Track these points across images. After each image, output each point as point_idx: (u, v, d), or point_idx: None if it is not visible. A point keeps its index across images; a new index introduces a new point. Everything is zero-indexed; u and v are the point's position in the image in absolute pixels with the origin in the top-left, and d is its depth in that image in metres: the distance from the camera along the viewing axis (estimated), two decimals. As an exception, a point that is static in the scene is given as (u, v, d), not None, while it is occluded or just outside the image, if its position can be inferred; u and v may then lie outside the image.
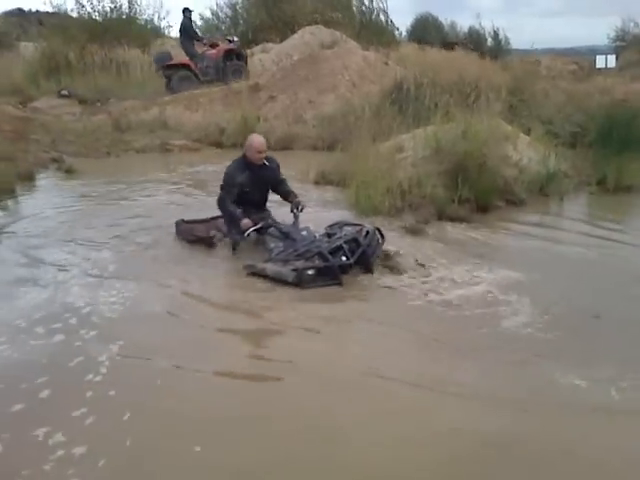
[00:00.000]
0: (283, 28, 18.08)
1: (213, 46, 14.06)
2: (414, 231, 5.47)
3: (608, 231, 5.69)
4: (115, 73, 15.05)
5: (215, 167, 9.07)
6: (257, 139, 4.93)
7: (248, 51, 17.27)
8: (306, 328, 3.71)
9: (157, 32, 18.78)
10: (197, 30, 15.29)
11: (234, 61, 13.93)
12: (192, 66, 13.79)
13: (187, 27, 14.21)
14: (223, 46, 14.03)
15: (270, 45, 16.75)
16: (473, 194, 6.24)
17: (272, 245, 4.67)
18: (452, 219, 5.94)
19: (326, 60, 11.81)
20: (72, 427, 2.74)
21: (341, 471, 2.48)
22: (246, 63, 14.26)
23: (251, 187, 4.85)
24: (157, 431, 2.76)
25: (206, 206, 6.51)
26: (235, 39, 14.60)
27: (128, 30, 16.55)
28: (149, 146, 10.81)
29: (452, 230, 5.64)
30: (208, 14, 21.85)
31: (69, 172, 8.87)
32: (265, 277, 4.39)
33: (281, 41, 16.10)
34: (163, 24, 18.39)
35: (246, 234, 4.67)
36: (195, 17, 22.76)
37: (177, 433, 2.73)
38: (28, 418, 2.82)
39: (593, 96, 10.21)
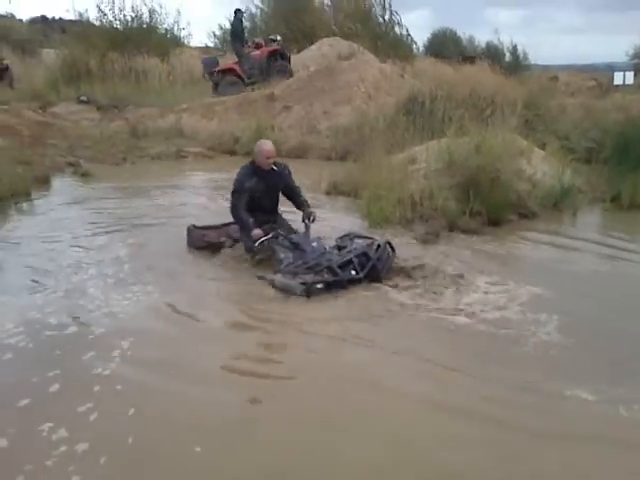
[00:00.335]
0: (302, 40, 18.23)
1: (257, 47, 14.24)
2: (425, 242, 5.45)
3: (623, 247, 5.62)
4: (134, 81, 15.27)
5: (228, 174, 9.18)
6: (266, 145, 4.97)
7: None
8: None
9: (177, 42, 18.98)
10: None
11: (278, 61, 14.07)
12: (237, 70, 13.96)
13: (237, 28, 14.48)
14: (267, 47, 14.21)
15: (287, 55, 16.84)
16: (485, 207, 6.20)
17: (282, 255, 4.65)
18: (463, 231, 5.91)
19: (343, 72, 11.87)
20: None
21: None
22: (289, 62, 14.40)
23: (260, 192, 4.87)
24: (157, 433, 2.76)
25: (220, 211, 6.60)
26: (278, 38, 14.73)
27: (148, 39, 16.76)
28: (164, 153, 10.91)
29: (463, 242, 5.59)
30: (227, 24, 22.06)
31: (85, 176, 8.99)
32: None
33: (298, 52, 16.20)
34: (183, 34, 18.55)
35: (257, 244, 4.66)
36: (214, 28, 23.12)
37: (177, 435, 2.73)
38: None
39: (610, 113, 10.13)
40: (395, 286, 4.42)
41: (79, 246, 5.47)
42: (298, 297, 4.21)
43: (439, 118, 10.06)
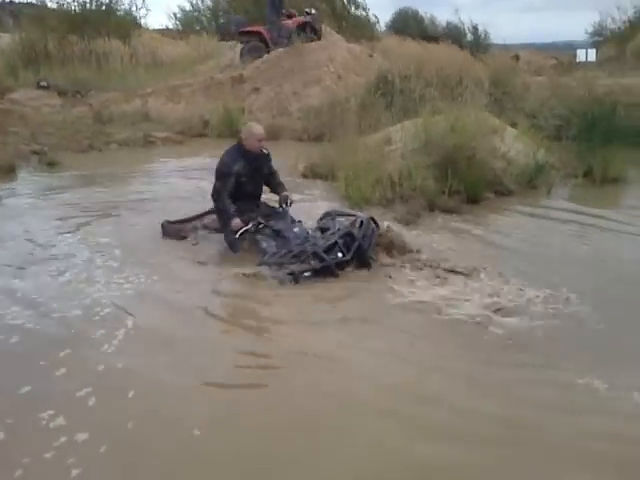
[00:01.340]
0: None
1: (289, 17, 13.94)
2: (407, 222, 5.47)
3: (600, 220, 5.78)
4: (95, 65, 14.83)
5: (200, 159, 9.06)
6: (257, 127, 4.84)
7: (230, 42, 17.19)
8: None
9: (136, 23, 18.47)
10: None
11: (307, 33, 13.72)
12: (264, 34, 13.62)
13: None
14: (298, 18, 13.94)
15: (253, 37, 16.60)
16: (463, 186, 6.27)
17: (265, 245, 4.54)
18: (443, 210, 5.97)
19: (311, 52, 11.78)
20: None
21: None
22: (320, 38, 14.06)
23: (247, 177, 4.71)
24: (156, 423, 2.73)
25: (196, 198, 6.49)
26: (313, 12, 14.46)
27: (108, 21, 16.25)
28: (131, 139, 10.66)
29: (444, 222, 5.63)
30: (188, 5, 21.63)
31: (51, 165, 8.70)
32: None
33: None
34: (141, 13, 18.02)
35: (237, 235, 4.54)
36: (174, 9, 22.61)
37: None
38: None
39: (575, 90, 10.31)
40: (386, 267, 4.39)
41: (53, 240, 5.21)
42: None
43: (410, 97, 10.12)
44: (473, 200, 6.26)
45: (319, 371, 3.13)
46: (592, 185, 6.88)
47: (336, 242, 4.34)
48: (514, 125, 8.19)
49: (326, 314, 3.77)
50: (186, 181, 7.63)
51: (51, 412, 2.72)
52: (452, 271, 4.30)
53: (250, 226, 4.58)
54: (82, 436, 2.58)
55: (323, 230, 4.60)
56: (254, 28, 13.73)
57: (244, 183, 4.72)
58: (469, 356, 3.22)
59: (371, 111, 9.59)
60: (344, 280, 4.25)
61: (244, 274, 4.31)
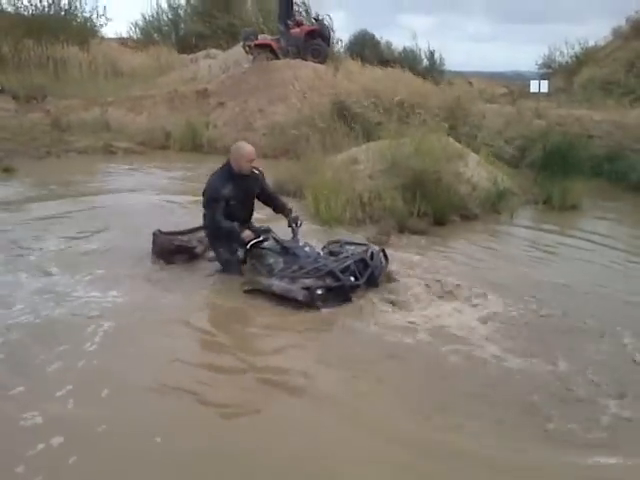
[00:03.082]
0: (225, 36, 18.03)
1: (298, 25, 13.70)
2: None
3: (558, 242, 6.14)
4: (52, 71, 14.48)
5: (163, 171, 8.98)
6: (247, 147, 4.61)
7: (191, 56, 17.12)
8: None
9: (95, 30, 18.15)
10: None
11: (316, 40, 13.59)
12: (274, 45, 13.34)
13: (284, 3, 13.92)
14: (306, 26, 13.75)
15: (214, 51, 16.60)
16: (431, 208, 6.43)
17: (271, 260, 4.40)
18: (412, 232, 6.09)
19: (277, 70, 11.84)
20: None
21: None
22: (329, 44, 14.03)
23: (237, 200, 4.50)
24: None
25: (167, 210, 6.43)
26: (320, 18, 14.30)
27: (66, 27, 15.93)
28: (91, 147, 10.51)
29: (414, 243, 5.75)
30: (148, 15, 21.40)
31: (8, 171, 8.47)
32: (267, 294, 4.16)
33: (226, 48, 15.97)
34: (101, 21, 17.66)
35: (249, 246, 4.39)
36: (136, 17, 22.36)
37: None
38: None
39: (530, 120, 10.72)
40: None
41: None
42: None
43: (370, 122, 10.30)
44: (440, 222, 6.42)
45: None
46: (551, 211, 7.17)
47: (349, 266, 4.25)
48: (475, 151, 8.45)
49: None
50: (146, 194, 7.53)
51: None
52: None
53: (262, 238, 4.46)
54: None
55: (332, 254, 4.53)
56: (264, 41, 13.58)
57: (234, 206, 4.51)
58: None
59: (335, 131, 9.72)
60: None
61: (247, 281, 4.29)
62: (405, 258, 5.14)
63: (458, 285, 4.50)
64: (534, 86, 14.06)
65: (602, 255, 5.70)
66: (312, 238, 5.09)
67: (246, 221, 4.71)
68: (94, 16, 17.20)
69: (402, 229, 6.11)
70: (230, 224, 4.44)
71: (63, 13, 16.15)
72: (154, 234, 4.93)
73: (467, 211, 6.76)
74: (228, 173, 4.54)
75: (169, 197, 7.32)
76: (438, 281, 4.54)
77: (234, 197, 4.50)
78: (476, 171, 7.49)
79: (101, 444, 2.68)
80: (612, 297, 4.59)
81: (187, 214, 6.36)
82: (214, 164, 9.27)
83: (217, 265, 4.77)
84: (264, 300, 4.16)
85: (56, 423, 2.80)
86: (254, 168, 4.65)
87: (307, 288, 4.04)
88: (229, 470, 2.56)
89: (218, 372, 3.36)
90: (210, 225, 4.60)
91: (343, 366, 3.40)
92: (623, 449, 2.76)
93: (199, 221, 4.96)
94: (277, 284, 4.14)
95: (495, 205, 7.00)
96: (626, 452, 2.74)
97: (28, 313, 3.89)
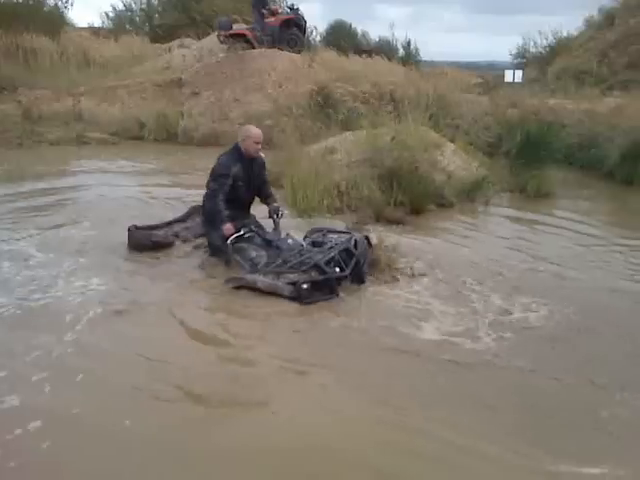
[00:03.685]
0: (202, 25, 17.83)
1: (273, 14, 13.51)
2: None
3: (534, 231, 6.22)
4: (22, 60, 14.15)
5: (138, 163, 8.86)
6: (254, 129, 4.67)
7: (165, 45, 16.88)
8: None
9: (64, 19, 17.79)
10: None
11: (292, 30, 13.48)
12: (249, 35, 13.14)
13: None
14: (281, 16, 13.57)
15: (188, 40, 16.36)
16: (407, 198, 6.45)
17: (254, 254, 4.35)
18: (389, 221, 6.11)
19: (253, 59, 11.74)
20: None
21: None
22: (304, 33, 13.94)
23: (243, 182, 4.55)
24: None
25: (144, 202, 6.36)
26: (296, 7, 14.11)
27: (35, 15, 15.55)
28: (64, 139, 10.34)
29: (391, 232, 5.76)
30: (120, 4, 21.07)
31: (-21, 163, 8.28)
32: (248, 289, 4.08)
33: (201, 37, 15.77)
34: (70, 11, 17.33)
35: (229, 241, 4.34)
36: (107, 7, 22.00)
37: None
38: None
39: (505, 109, 10.81)
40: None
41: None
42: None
43: (349, 111, 10.29)
44: (417, 211, 6.45)
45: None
46: (526, 199, 7.26)
47: (334, 257, 4.19)
48: (451, 140, 8.49)
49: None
50: (121, 185, 7.43)
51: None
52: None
53: (242, 232, 4.41)
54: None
55: (315, 244, 4.47)
56: (239, 31, 13.40)
57: (239, 188, 4.56)
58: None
59: (312, 121, 9.69)
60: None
61: (230, 279, 4.20)
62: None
63: (429, 269, 4.61)
64: (509, 76, 14.22)
65: (573, 241, 5.81)
66: (290, 228, 5.05)
67: (246, 207, 4.79)
68: (60, 4, 16.81)
69: (379, 218, 6.13)
70: (222, 208, 4.41)
71: (31, 1, 15.75)
72: (129, 230, 4.82)
73: (443, 200, 6.80)
74: (237, 154, 4.60)
75: (144, 188, 7.23)
76: (410, 267, 4.64)
77: (241, 178, 4.55)
78: (452, 160, 7.54)
79: (76, 428, 2.71)
80: (580, 283, 4.67)
81: (162, 205, 6.32)
82: (189, 156, 9.40)
83: (199, 253, 4.74)
84: (247, 290, 4.11)
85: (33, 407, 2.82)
86: (260, 152, 4.70)
87: (293, 283, 4.00)
88: (195, 445, 2.59)
89: (195, 359, 3.35)
90: (208, 203, 4.58)
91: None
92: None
93: (174, 213, 4.90)
94: (262, 280, 4.07)
95: (471, 193, 7.06)
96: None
97: (8, 302, 3.86)
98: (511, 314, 3.98)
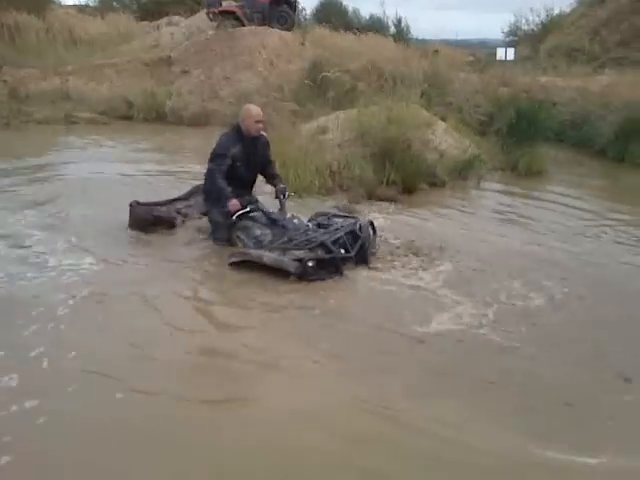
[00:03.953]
0: (190, 2, 17.56)
1: None
2: (348, 210, 5.55)
3: (526, 205, 6.30)
4: (8, 38, 13.90)
5: (128, 142, 8.78)
6: (255, 108, 4.62)
7: (153, 23, 16.63)
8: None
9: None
10: None
11: (282, 7, 13.30)
12: (238, 12, 12.96)
13: None
14: None
15: (177, 18, 16.12)
16: (400, 177, 6.44)
17: (258, 232, 4.34)
18: (381, 199, 6.10)
19: (243, 37, 11.60)
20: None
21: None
22: (294, 11, 13.78)
23: (242, 162, 4.50)
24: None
25: (138, 181, 6.31)
26: None
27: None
28: (52, 118, 10.23)
29: (383, 211, 5.76)
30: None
31: (-34, 143, 8.18)
32: (251, 267, 4.03)
33: (189, 15, 15.55)
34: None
35: (234, 217, 4.32)
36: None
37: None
38: None
39: (497, 87, 10.76)
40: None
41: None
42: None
43: (342, 89, 10.22)
44: (409, 190, 6.44)
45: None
46: (518, 177, 7.28)
47: (340, 237, 4.20)
48: (443, 119, 8.46)
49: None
50: (111, 165, 7.34)
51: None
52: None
53: (248, 209, 4.39)
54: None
55: (320, 226, 4.47)
56: (228, 8, 13.21)
57: (239, 168, 4.51)
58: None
59: (304, 100, 9.62)
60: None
61: (235, 253, 4.15)
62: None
63: (425, 248, 4.59)
64: (500, 54, 14.16)
65: (565, 218, 5.87)
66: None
67: (247, 187, 4.72)
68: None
69: (371, 197, 6.12)
70: (224, 186, 4.37)
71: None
72: (131, 205, 4.76)
73: (435, 178, 6.80)
74: (238, 134, 4.55)
75: (134, 167, 7.16)
76: (398, 246, 4.64)
77: (240, 159, 4.50)
78: (444, 138, 7.52)
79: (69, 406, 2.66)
80: (571, 258, 4.69)
81: (155, 185, 6.26)
82: (179, 135, 9.32)
83: (198, 234, 4.69)
84: (246, 271, 4.06)
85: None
86: (261, 131, 4.64)
87: (299, 260, 3.97)
88: (180, 438, 2.53)
89: (187, 340, 3.30)
90: (208, 181, 4.56)
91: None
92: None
93: (168, 192, 4.83)
94: (268, 255, 4.04)
95: (463, 172, 7.06)
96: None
97: (3, 281, 3.81)
98: (512, 295, 3.94)
